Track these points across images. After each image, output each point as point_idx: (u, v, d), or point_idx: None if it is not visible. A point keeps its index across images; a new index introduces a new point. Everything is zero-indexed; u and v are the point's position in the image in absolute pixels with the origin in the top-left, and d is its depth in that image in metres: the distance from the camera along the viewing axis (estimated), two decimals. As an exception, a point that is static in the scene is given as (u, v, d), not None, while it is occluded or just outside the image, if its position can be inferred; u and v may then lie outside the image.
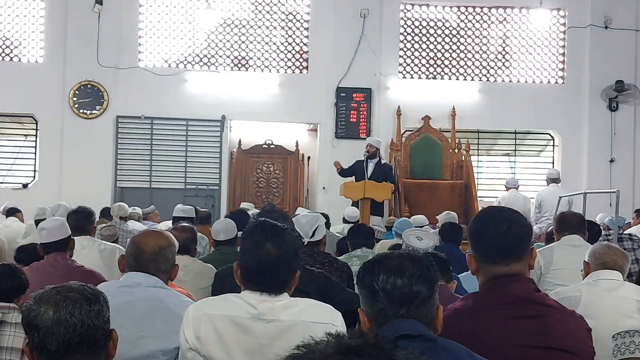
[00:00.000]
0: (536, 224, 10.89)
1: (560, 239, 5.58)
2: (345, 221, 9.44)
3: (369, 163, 10.91)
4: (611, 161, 13.28)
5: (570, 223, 5.65)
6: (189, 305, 2.94)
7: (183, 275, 4.82)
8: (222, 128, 13.04)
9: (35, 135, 13.10)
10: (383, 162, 11.38)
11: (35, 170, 13.10)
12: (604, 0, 13.31)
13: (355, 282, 2.44)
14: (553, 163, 13.63)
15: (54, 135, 12.80)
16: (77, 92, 12.67)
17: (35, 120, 13.03)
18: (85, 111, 12.72)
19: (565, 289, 4.08)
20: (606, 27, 13.28)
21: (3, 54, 13.08)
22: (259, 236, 2.79)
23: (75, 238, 5.36)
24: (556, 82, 13.71)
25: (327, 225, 7.77)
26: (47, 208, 8.43)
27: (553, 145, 13.86)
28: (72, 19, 12.71)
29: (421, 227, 8.12)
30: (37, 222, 7.44)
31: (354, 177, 11.03)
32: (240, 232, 4.58)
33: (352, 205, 10.16)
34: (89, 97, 12.71)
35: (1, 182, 13.12)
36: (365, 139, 12.04)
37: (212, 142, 13.08)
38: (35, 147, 13.10)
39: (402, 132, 12.98)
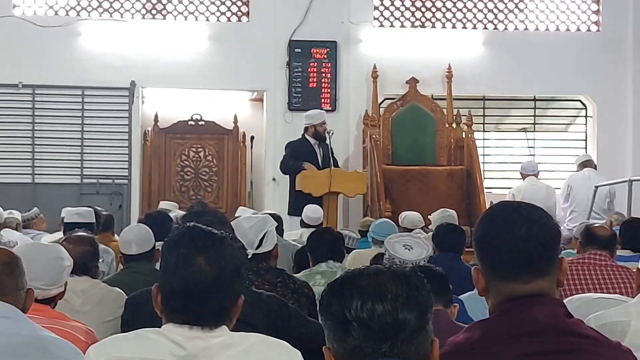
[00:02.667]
0: (564, 223, 10.98)
1: None
2: (304, 225, 9.43)
3: (318, 146, 11.09)
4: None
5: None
6: (89, 349, 2.90)
7: (81, 305, 4.79)
8: (132, 99, 13.01)
9: None
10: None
11: None
12: None
13: (318, 309, 2.40)
14: (586, 140, 13.79)
15: None
16: None
17: None
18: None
19: (608, 312, 4.08)
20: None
21: None
22: (187, 248, 2.76)
23: None
24: (588, 30, 13.85)
25: (280, 230, 7.75)
26: None
27: (585, 116, 14.00)
28: None
29: (411, 230, 8.15)
30: None
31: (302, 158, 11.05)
32: (160, 243, 4.54)
33: (310, 204, 10.16)
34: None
35: None
36: (330, 111, 12.09)
37: (118, 119, 13.05)
38: None
39: (380, 101, 13.07)
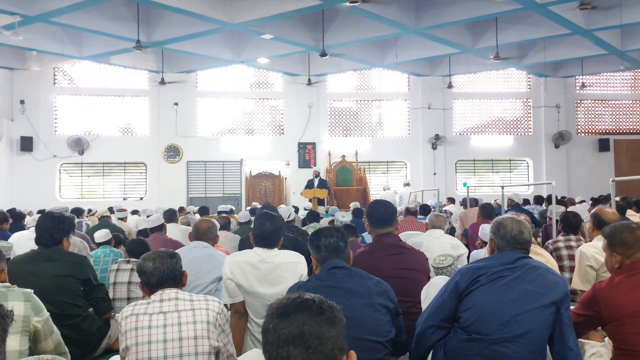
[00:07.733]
0: (399, 207, 10.95)
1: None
2: (305, 209, 9.35)
3: (316, 180, 10.90)
4: (434, 174, 13.42)
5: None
6: (226, 257, 2.86)
7: (223, 242, 4.74)
8: (241, 166, 12.81)
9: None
10: (322, 179, 11.27)
11: (145, 191, 12.71)
12: (427, 93, 13.39)
13: (308, 241, 2.34)
14: (406, 176, 13.66)
15: (155, 173, 12.41)
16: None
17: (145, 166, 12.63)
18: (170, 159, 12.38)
19: (415, 238, 4.06)
20: (429, 108, 13.48)
21: None
22: (262, 218, 2.70)
23: (167, 224, 5.23)
24: (407, 135, 13.74)
25: (297, 211, 7.70)
26: (152, 209, 8.23)
27: (406, 167, 13.85)
28: None
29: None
30: (148, 216, 7.22)
31: (308, 187, 10.94)
32: (252, 217, 4.48)
33: (308, 201, 10.13)
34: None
35: (128, 197, 12.69)
36: (313, 168, 12.06)
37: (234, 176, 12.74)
38: (145, 180, 12.66)
39: (331, 163, 12.91)
